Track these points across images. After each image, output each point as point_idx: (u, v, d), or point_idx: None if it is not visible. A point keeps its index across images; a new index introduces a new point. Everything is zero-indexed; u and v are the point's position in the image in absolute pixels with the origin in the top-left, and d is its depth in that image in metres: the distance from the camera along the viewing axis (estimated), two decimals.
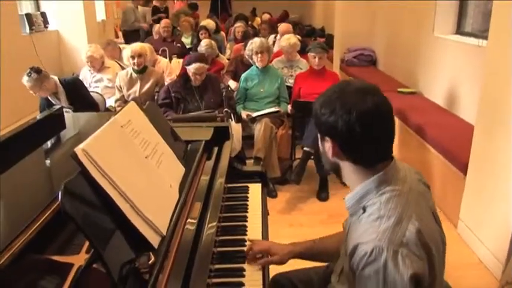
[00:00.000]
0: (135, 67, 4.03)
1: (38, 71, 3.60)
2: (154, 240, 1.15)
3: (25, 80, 3.58)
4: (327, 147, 1.20)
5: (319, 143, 1.26)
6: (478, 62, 3.54)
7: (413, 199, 1.15)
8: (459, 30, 4.57)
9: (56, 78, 3.79)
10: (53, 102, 3.73)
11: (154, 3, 10.04)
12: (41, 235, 1.10)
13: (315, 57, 3.90)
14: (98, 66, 4.53)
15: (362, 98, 1.11)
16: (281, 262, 1.52)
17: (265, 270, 1.47)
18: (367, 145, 1.13)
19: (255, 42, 4.03)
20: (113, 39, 5.75)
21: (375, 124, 1.12)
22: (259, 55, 3.98)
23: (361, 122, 1.09)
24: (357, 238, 1.11)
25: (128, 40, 7.00)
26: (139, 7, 9.34)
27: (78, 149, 1.06)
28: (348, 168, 1.20)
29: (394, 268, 1.02)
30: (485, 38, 3.04)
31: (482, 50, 3.42)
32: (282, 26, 6.08)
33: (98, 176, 1.08)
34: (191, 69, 3.71)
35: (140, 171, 1.27)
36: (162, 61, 5.00)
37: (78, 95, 3.81)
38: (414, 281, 1.02)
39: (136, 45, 4.09)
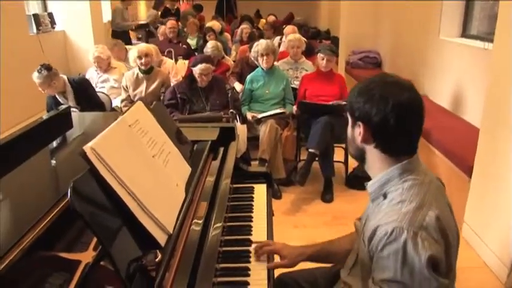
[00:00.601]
0: (142, 67, 4.05)
1: (48, 68, 3.63)
2: (161, 239, 1.16)
3: (35, 76, 3.59)
4: (357, 132, 1.22)
5: (349, 128, 1.28)
6: (484, 64, 3.53)
7: (433, 190, 1.19)
8: (465, 33, 4.57)
9: (64, 77, 3.82)
10: (60, 101, 3.76)
11: (166, 3, 10.06)
12: (48, 233, 1.11)
13: (323, 59, 3.90)
14: (105, 66, 4.56)
15: (400, 91, 1.16)
16: (291, 266, 1.52)
17: (270, 269, 1.48)
18: (399, 136, 1.18)
19: (260, 44, 4.04)
20: (119, 40, 5.78)
21: (409, 118, 1.17)
22: (265, 57, 4.00)
23: (396, 114, 1.14)
24: (377, 221, 1.14)
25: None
26: (145, 9, 9.34)
27: (87, 147, 1.08)
28: (374, 155, 1.23)
29: (413, 249, 1.05)
30: (491, 40, 3.04)
31: (487, 53, 3.41)
32: (288, 29, 6.11)
33: (106, 174, 1.09)
34: (197, 70, 3.73)
35: (147, 170, 1.28)
36: (168, 62, 5.03)
37: (86, 95, 3.83)
38: (432, 264, 1.05)
39: (143, 46, 4.13)
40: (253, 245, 1.55)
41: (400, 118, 1.14)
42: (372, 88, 1.18)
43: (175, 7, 9.97)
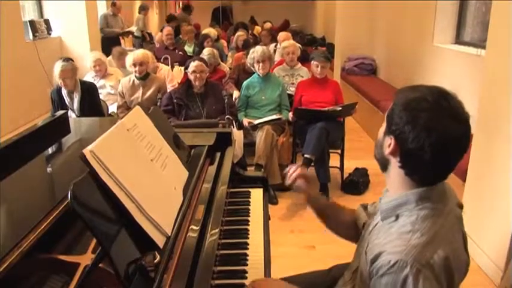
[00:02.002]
0: (137, 74, 4.07)
1: (72, 60, 3.76)
2: (160, 241, 1.18)
3: (61, 65, 3.66)
4: (387, 142, 1.13)
5: (381, 130, 1.19)
6: (477, 70, 3.58)
7: (450, 222, 1.13)
8: (458, 40, 4.63)
9: (77, 77, 3.86)
10: (65, 99, 3.79)
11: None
12: (47, 236, 1.12)
13: (317, 66, 3.93)
14: (104, 71, 4.60)
15: (450, 125, 1.04)
16: None
17: (267, 273, 1.49)
18: (430, 169, 1.09)
19: (256, 51, 4.07)
20: (124, 48, 5.82)
21: (448, 155, 1.08)
22: (261, 63, 4.03)
23: (435, 149, 1.04)
24: (382, 245, 1.10)
25: (104, 47, 6.94)
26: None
27: (86, 151, 1.09)
28: (396, 171, 1.15)
29: (412, 286, 1.00)
30: (484, 47, 3.09)
31: (480, 59, 3.46)
32: (282, 35, 6.16)
33: (105, 177, 1.11)
34: (191, 68, 3.75)
35: (146, 173, 1.30)
36: (164, 68, 5.05)
37: (91, 100, 3.86)
38: None
39: (138, 53, 4.14)
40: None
41: (438, 154, 1.05)
42: (420, 109, 1.05)
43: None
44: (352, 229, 1.52)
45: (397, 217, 1.14)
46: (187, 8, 11.45)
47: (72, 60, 3.78)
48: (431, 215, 1.10)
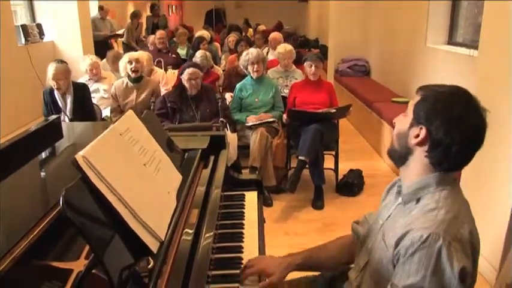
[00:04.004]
0: (133, 74, 4.04)
1: (65, 62, 3.77)
2: (153, 246, 1.17)
3: (54, 66, 3.67)
4: (415, 133, 1.18)
5: (404, 120, 1.23)
6: (469, 70, 3.60)
7: (467, 206, 1.20)
8: (451, 41, 4.65)
9: (69, 79, 3.86)
10: (58, 101, 3.78)
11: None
12: (40, 242, 1.11)
13: (311, 66, 3.93)
14: (99, 74, 4.59)
15: (477, 118, 1.15)
16: (280, 280, 1.46)
17: (261, 276, 1.48)
18: (456, 157, 1.16)
19: (251, 53, 4.07)
20: (120, 52, 5.80)
21: (472, 146, 1.16)
22: (255, 65, 4.03)
23: (464, 138, 1.13)
24: (407, 225, 1.13)
25: (94, 51, 6.91)
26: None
27: (78, 156, 1.08)
28: (418, 159, 1.20)
29: (447, 257, 1.04)
30: (476, 48, 3.10)
31: (473, 60, 3.48)
32: (273, 34, 6.15)
33: (98, 182, 1.10)
34: (186, 74, 3.74)
35: (139, 178, 1.29)
36: (158, 71, 5.04)
37: (84, 102, 3.86)
38: (461, 276, 1.04)
39: (135, 52, 4.15)
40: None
41: (464, 145, 1.13)
42: (454, 101, 1.15)
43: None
44: (342, 258, 1.52)
45: (418, 200, 1.19)
46: (153, 6, 11.40)
47: (66, 63, 3.79)
48: (451, 195, 1.17)
